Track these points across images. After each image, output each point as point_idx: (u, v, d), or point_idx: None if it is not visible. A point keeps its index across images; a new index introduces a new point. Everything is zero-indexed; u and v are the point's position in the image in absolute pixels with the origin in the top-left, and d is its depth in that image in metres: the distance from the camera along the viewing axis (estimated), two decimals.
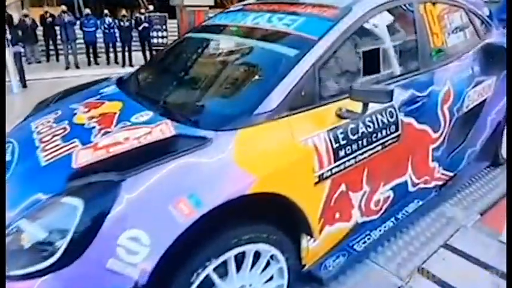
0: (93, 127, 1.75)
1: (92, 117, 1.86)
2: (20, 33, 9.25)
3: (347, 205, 1.83)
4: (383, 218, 2.08)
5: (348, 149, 1.70)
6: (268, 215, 1.51)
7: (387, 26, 2.06)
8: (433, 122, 2.18)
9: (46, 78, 8.63)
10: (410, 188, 2.20)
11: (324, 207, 1.67)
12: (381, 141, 1.85)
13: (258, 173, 1.38)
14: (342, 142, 1.68)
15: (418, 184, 2.24)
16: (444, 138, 2.30)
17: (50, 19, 10.00)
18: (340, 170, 1.69)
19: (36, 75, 8.68)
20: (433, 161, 2.29)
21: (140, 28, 10.17)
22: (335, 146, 1.65)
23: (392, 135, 1.90)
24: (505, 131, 2.88)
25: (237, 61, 1.95)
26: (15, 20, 9.69)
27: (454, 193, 2.62)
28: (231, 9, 2.58)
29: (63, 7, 9.92)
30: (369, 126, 1.79)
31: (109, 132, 1.66)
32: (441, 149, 2.31)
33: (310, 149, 1.55)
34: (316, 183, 1.58)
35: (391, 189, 2.06)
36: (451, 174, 2.47)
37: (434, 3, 2.35)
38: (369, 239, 2.00)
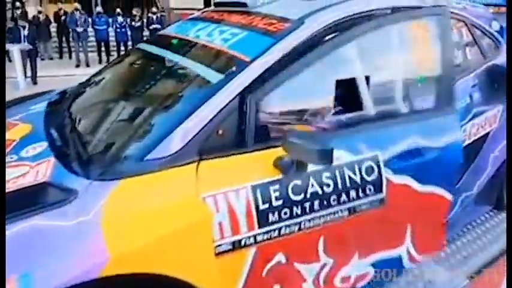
0: None
1: None
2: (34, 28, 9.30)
3: (293, 278, 1.44)
4: None
5: (286, 213, 1.31)
6: None
7: (357, 45, 1.64)
8: None
9: (57, 76, 8.60)
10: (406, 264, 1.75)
11: (249, 278, 1.31)
12: (349, 205, 1.43)
13: (114, 249, 1.02)
14: (276, 203, 1.28)
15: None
16: None
17: (63, 16, 10.01)
18: (272, 238, 1.30)
19: (47, 72, 8.67)
20: None
21: (151, 28, 10.04)
22: (262, 207, 1.26)
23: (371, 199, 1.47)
24: None
25: (151, 87, 1.59)
26: (30, 16, 9.78)
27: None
28: (190, 17, 2.25)
29: (76, 4, 9.90)
30: (327, 185, 1.37)
31: None
32: None
33: (215, 209, 1.19)
34: (223, 252, 1.22)
35: (372, 264, 1.63)
36: None
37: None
38: None
